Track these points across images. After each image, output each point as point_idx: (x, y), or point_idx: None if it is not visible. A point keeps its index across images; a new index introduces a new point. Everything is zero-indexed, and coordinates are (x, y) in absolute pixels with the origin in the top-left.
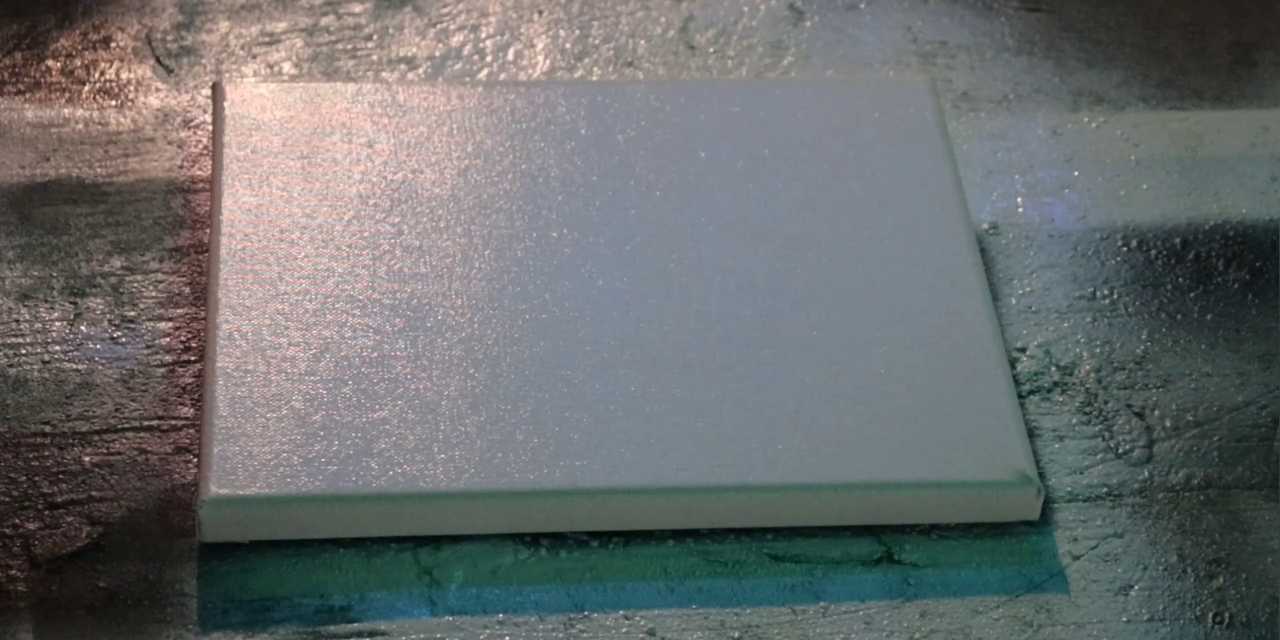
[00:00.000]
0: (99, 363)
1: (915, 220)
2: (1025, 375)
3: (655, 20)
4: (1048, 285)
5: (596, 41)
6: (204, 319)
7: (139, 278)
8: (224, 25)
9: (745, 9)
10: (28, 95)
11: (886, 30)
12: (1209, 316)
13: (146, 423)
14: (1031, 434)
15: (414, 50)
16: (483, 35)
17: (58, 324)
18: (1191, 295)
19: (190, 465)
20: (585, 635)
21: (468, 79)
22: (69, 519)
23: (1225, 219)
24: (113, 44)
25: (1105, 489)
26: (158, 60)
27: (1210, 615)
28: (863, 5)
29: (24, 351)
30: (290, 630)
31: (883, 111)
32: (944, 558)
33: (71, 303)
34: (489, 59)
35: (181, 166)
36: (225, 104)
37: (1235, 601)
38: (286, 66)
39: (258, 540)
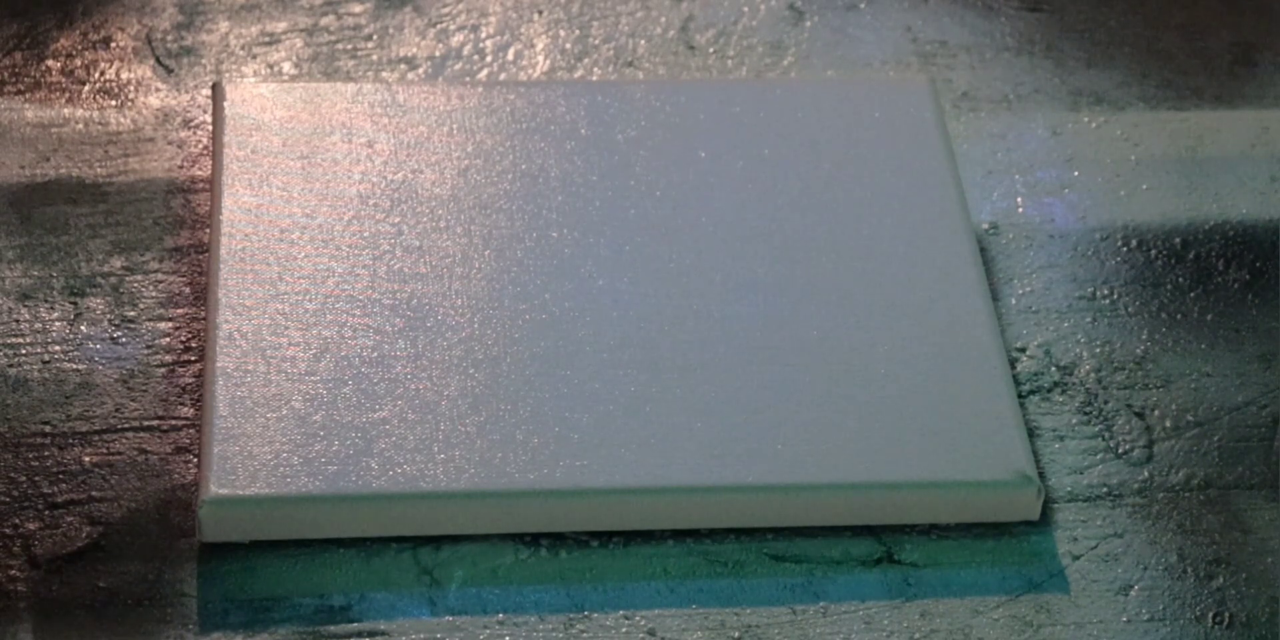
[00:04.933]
0: (99, 363)
1: (915, 220)
2: (1025, 375)
3: (655, 20)
4: (1048, 285)
5: (596, 41)
6: (204, 319)
7: (139, 278)
8: (224, 25)
9: (745, 9)
10: (28, 95)
11: (886, 30)
12: (1209, 316)
13: (146, 423)
14: (1031, 434)
15: (414, 50)
16: (483, 35)
17: (58, 324)
18: (1191, 295)
19: (190, 465)
20: (585, 635)
21: (468, 79)
22: (69, 519)
23: (1225, 219)
24: (113, 44)
25: (1105, 489)
26: (158, 60)
27: (1210, 615)
28: (863, 5)
29: (24, 351)
30: (290, 630)
31: (883, 111)
32: (944, 558)
33: (71, 303)
34: (489, 59)
35: (181, 166)
36: (225, 104)
37: (1235, 601)
38: (286, 66)
39: (258, 540)
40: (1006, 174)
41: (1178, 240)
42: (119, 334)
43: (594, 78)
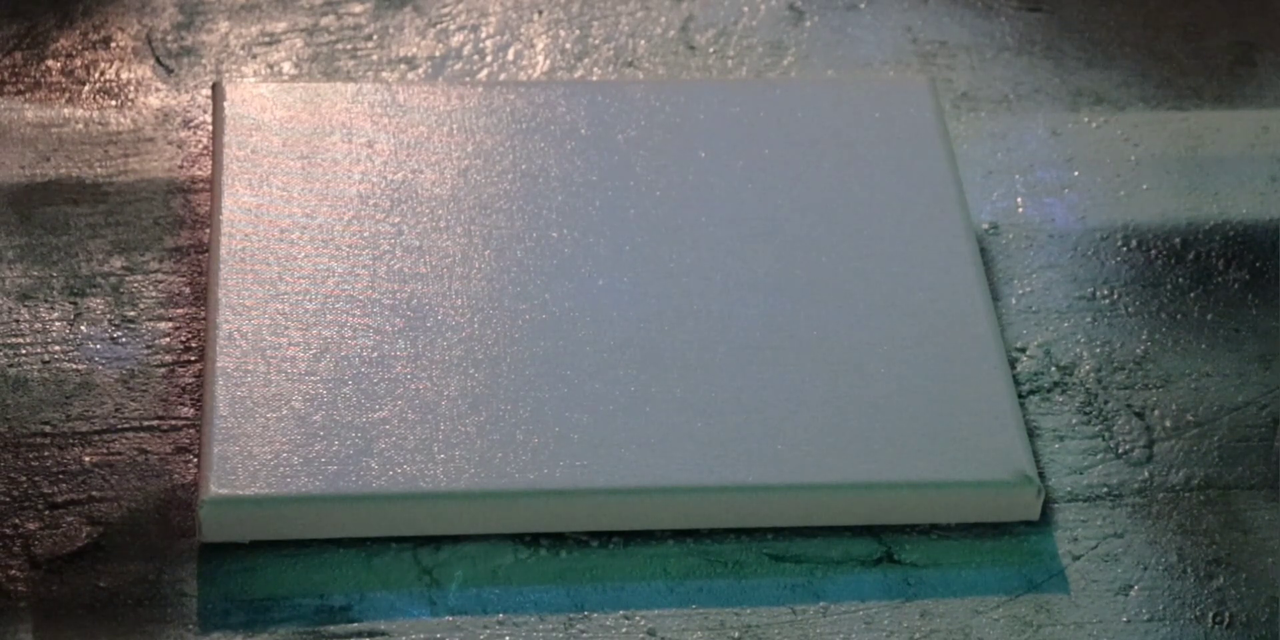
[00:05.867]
0: (99, 363)
1: (915, 220)
2: (1025, 375)
3: (655, 20)
4: (1048, 285)
5: (596, 41)
6: (204, 319)
7: (139, 278)
8: (224, 25)
9: (745, 9)
10: (28, 95)
11: (886, 30)
12: (1209, 316)
13: (146, 423)
14: (1031, 434)
15: (414, 50)
16: (483, 35)
17: (58, 324)
18: (1191, 295)
19: (190, 465)
20: (585, 635)
21: (468, 79)
22: (69, 519)
23: (1225, 219)
24: (113, 44)
25: (1105, 489)
26: (158, 60)
27: (1210, 615)
28: (863, 5)
29: (24, 351)
30: (290, 630)
31: (883, 111)
32: (944, 558)
33: (71, 303)
34: (489, 59)
35: (181, 166)
36: (225, 104)
37: (1235, 601)
38: (286, 66)
39: (258, 540)
40: (1006, 174)
41: (1178, 240)
42: (119, 334)
43: (594, 78)
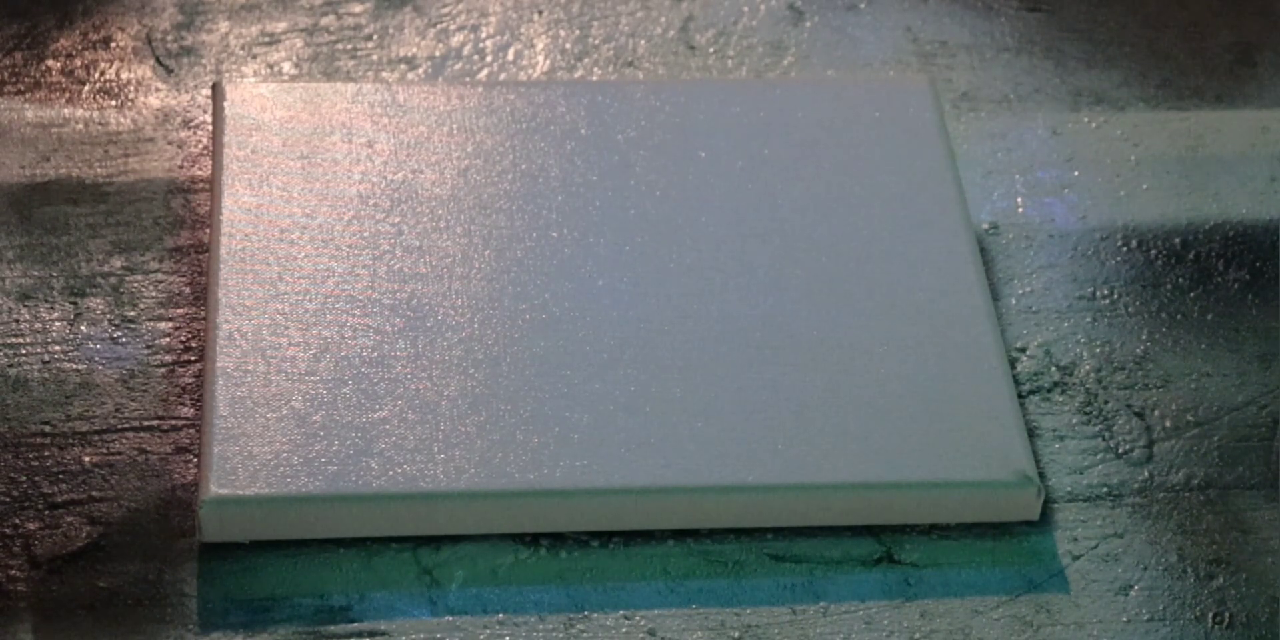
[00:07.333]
0: (99, 363)
1: (915, 220)
2: (1025, 375)
3: (655, 20)
4: (1048, 285)
5: (596, 41)
6: (204, 319)
7: (139, 278)
8: (224, 25)
9: (745, 9)
10: (28, 95)
11: (886, 30)
12: (1209, 316)
13: (146, 423)
14: (1031, 434)
15: (414, 50)
16: (483, 35)
17: (58, 324)
18: (1191, 295)
19: (190, 465)
20: (585, 635)
21: (468, 79)
22: (69, 519)
23: (1225, 219)
24: (113, 44)
25: (1105, 489)
26: (158, 60)
27: (1210, 615)
28: (863, 5)
29: (24, 351)
30: (290, 630)
31: (883, 111)
32: (944, 558)
33: (71, 303)
34: (489, 59)
35: (181, 166)
36: (225, 104)
37: (1235, 601)
38: (286, 66)
39: (258, 540)
40: (1006, 174)
41: (1178, 240)
42: (119, 334)
43: (594, 78)
